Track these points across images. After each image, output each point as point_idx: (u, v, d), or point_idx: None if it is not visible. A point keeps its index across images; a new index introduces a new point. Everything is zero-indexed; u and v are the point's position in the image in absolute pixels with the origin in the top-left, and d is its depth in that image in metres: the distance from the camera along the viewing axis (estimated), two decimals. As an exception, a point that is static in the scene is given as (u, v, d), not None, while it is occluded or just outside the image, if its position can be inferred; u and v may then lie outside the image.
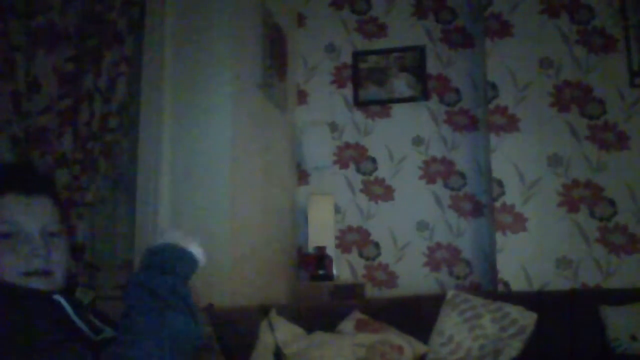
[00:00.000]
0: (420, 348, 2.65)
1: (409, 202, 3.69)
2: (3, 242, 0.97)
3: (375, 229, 3.71)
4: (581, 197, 3.19)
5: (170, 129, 2.77)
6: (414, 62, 3.83)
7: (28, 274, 0.97)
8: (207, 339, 2.06)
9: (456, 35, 3.81)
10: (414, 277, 3.59)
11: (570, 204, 3.19)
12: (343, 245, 3.72)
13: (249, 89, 3.07)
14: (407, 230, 3.66)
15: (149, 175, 2.70)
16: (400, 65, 3.84)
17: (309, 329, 2.59)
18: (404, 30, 3.88)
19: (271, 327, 2.42)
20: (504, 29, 3.40)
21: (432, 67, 3.80)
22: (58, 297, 0.95)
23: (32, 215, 0.99)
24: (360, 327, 2.67)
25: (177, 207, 2.71)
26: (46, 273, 0.99)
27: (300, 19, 4.04)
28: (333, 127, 3.85)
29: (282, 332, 2.45)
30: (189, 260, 0.98)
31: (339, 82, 3.93)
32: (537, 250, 3.16)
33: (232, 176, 2.77)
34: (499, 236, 3.22)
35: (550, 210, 3.19)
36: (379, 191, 3.75)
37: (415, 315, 2.86)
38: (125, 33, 2.77)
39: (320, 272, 3.38)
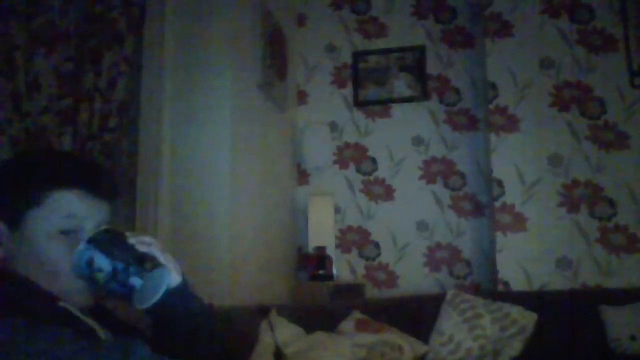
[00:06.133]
0: (420, 348, 2.65)
1: (409, 202, 3.69)
2: (62, 239, 0.93)
3: (375, 229, 3.71)
4: (581, 197, 3.19)
5: (170, 129, 2.77)
6: (414, 62, 3.83)
7: (82, 276, 0.94)
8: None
9: (456, 35, 3.81)
10: (414, 277, 3.59)
11: (570, 204, 3.19)
12: (343, 245, 3.72)
13: (249, 89, 3.07)
14: (407, 230, 3.66)
15: (149, 175, 2.70)
16: (400, 65, 3.84)
17: (309, 329, 2.59)
18: (404, 30, 3.88)
19: (271, 327, 2.42)
20: (504, 29, 3.40)
21: (432, 67, 3.80)
22: (64, 305, 0.93)
23: (93, 217, 0.96)
24: (360, 327, 2.67)
25: (177, 207, 2.71)
26: None
27: (300, 19, 4.04)
28: (333, 127, 3.85)
29: (282, 332, 2.45)
30: None
31: (339, 82, 3.93)
32: (537, 250, 3.16)
33: (232, 176, 2.77)
34: (499, 236, 3.22)
35: (550, 210, 3.19)
36: (379, 191, 3.75)
37: (415, 315, 2.86)
38: (125, 33, 2.77)
39: (320, 272, 3.38)
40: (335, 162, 3.82)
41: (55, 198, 0.93)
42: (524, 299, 2.81)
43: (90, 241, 0.91)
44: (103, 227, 0.95)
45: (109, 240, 0.92)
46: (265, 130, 3.30)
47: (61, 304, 0.92)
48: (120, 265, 0.89)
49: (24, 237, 0.93)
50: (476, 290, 3.39)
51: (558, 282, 3.09)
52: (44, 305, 0.89)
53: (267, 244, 3.20)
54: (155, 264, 0.93)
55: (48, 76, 2.65)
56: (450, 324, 2.74)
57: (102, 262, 0.90)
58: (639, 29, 3.27)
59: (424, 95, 3.78)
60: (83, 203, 0.95)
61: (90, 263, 0.90)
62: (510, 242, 3.19)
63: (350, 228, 3.74)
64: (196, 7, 2.85)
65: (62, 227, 0.93)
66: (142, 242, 0.96)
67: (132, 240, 0.95)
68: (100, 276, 0.90)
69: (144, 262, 0.91)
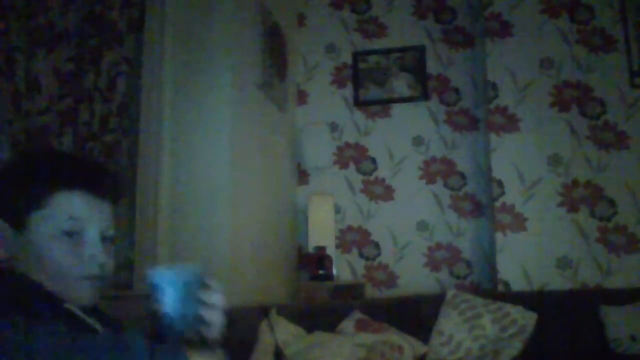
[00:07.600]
0: (420, 348, 2.65)
1: (409, 202, 3.69)
2: (65, 241, 0.93)
3: (375, 229, 3.71)
4: (581, 197, 3.19)
5: (170, 129, 2.77)
6: (414, 62, 3.83)
7: (86, 278, 0.94)
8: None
9: (456, 35, 3.81)
10: (414, 277, 3.59)
11: (570, 204, 3.19)
12: (343, 245, 3.72)
13: (249, 89, 3.07)
14: (407, 230, 3.66)
15: (149, 175, 2.70)
16: (400, 65, 3.84)
17: (309, 329, 2.59)
18: (404, 30, 3.88)
19: (271, 327, 2.42)
20: (504, 29, 3.40)
21: (432, 67, 3.80)
22: (68, 306, 0.93)
23: (96, 218, 0.96)
24: (360, 327, 2.67)
25: (177, 207, 2.71)
26: (100, 279, 0.97)
27: (300, 19, 4.04)
28: (333, 127, 3.85)
29: (282, 332, 2.45)
30: None
31: (339, 82, 3.93)
32: (537, 250, 3.16)
33: (232, 176, 2.77)
34: (499, 236, 3.22)
35: (550, 210, 3.19)
36: (379, 191, 3.75)
37: (415, 315, 2.86)
38: (125, 33, 2.77)
39: (320, 272, 3.38)
40: (335, 162, 3.82)
41: (58, 200, 0.93)
42: (524, 299, 2.81)
43: (176, 274, 0.88)
44: (197, 267, 0.90)
45: (190, 285, 0.88)
46: (265, 130, 3.30)
47: (65, 305, 0.92)
48: (177, 315, 0.87)
49: (27, 238, 0.93)
50: (476, 290, 3.39)
51: (558, 282, 3.09)
52: (48, 306, 0.90)
53: (267, 244, 3.20)
54: (202, 344, 0.89)
55: (48, 76, 2.65)
56: (450, 324, 2.74)
57: (168, 299, 0.87)
58: (639, 29, 3.27)
59: (424, 95, 3.78)
60: (86, 205, 0.95)
61: (157, 288, 0.88)
62: (510, 242, 3.19)
63: (350, 228, 3.74)
64: (196, 7, 2.85)
65: (66, 228, 0.93)
66: (211, 306, 0.89)
67: (205, 296, 0.89)
68: (157, 305, 0.88)
69: (197, 333, 0.88)
